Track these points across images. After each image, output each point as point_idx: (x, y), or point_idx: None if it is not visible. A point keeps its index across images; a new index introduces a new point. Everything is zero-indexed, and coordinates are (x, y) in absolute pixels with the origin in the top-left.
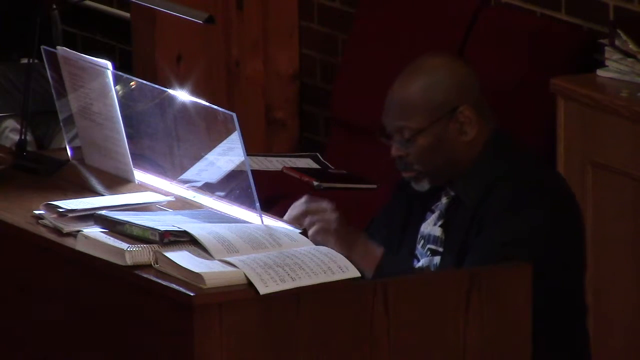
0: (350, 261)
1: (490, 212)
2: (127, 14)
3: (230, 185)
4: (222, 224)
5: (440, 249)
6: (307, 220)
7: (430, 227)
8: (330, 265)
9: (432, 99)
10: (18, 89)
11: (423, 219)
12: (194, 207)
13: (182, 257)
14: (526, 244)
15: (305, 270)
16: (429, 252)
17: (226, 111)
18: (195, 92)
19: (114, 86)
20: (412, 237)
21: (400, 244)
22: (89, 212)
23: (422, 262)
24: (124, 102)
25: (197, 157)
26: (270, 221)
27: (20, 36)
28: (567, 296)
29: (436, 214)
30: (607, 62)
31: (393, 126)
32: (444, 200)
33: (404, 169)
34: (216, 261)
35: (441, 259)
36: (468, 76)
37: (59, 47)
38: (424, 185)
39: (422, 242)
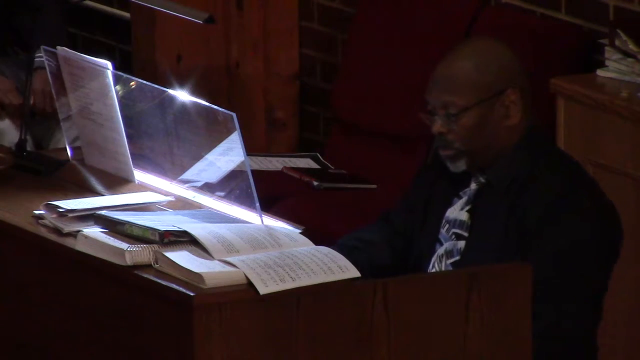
0: None
1: (537, 209)
2: (127, 14)
3: (230, 185)
4: (222, 224)
5: (466, 234)
6: None
7: (457, 212)
8: (330, 265)
9: (482, 78)
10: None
11: (449, 204)
12: (194, 207)
13: (182, 257)
14: (587, 248)
15: (305, 270)
16: (453, 237)
17: (226, 111)
18: (195, 92)
19: (114, 86)
20: (435, 222)
21: (423, 227)
22: (89, 212)
23: (445, 247)
24: (124, 102)
25: (197, 157)
26: (270, 221)
27: (16, 32)
28: (594, 304)
29: (464, 199)
30: (607, 62)
31: (439, 101)
32: (473, 186)
33: (444, 146)
34: (216, 261)
35: (466, 244)
36: (519, 64)
37: (59, 47)
38: (460, 166)
39: (446, 226)
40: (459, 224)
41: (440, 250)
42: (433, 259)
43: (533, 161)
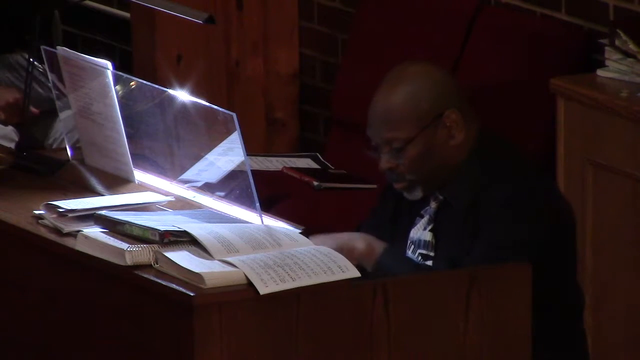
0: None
1: (485, 215)
2: (127, 14)
3: (230, 186)
4: (222, 224)
5: (432, 254)
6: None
7: (420, 232)
8: (330, 265)
9: (418, 106)
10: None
11: (412, 224)
12: (194, 207)
13: (182, 257)
14: (524, 248)
15: (305, 270)
16: (420, 257)
17: (226, 111)
18: (195, 92)
19: (114, 86)
20: (401, 243)
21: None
22: (89, 212)
23: None
24: (124, 102)
25: (197, 157)
26: (270, 221)
27: (19, 36)
28: (562, 295)
29: (425, 219)
30: (607, 62)
31: (381, 138)
32: (433, 204)
33: (396, 180)
34: (216, 261)
35: (433, 263)
36: (448, 80)
37: (59, 47)
38: (417, 194)
39: (412, 247)
40: (424, 244)
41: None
42: None
43: (485, 172)
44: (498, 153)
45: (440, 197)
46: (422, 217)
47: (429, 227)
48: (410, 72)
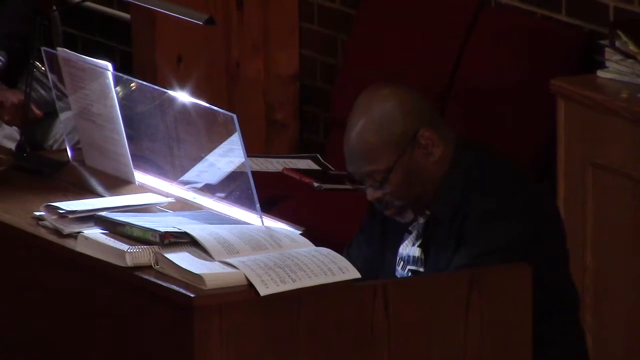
0: None
1: (469, 224)
2: (127, 15)
3: (230, 187)
4: (223, 225)
5: (422, 269)
6: None
7: (409, 248)
8: (331, 266)
9: (390, 134)
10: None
11: (400, 241)
12: (194, 209)
13: (182, 259)
14: (502, 252)
15: (306, 271)
16: (410, 274)
17: (226, 112)
18: (195, 93)
19: (114, 87)
20: (390, 259)
21: (382, 261)
22: (89, 214)
23: None
24: (124, 103)
25: (198, 159)
26: (271, 222)
27: (23, 67)
28: (550, 292)
29: (414, 235)
30: (607, 63)
31: (361, 173)
32: (420, 220)
33: (385, 208)
34: (216, 262)
35: None
36: (415, 99)
37: (59, 49)
38: (408, 217)
39: (401, 263)
40: (413, 260)
41: None
42: None
43: (467, 184)
44: (477, 160)
45: (428, 213)
46: (410, 232)
47: (418, 243)
48: (375, 99)
